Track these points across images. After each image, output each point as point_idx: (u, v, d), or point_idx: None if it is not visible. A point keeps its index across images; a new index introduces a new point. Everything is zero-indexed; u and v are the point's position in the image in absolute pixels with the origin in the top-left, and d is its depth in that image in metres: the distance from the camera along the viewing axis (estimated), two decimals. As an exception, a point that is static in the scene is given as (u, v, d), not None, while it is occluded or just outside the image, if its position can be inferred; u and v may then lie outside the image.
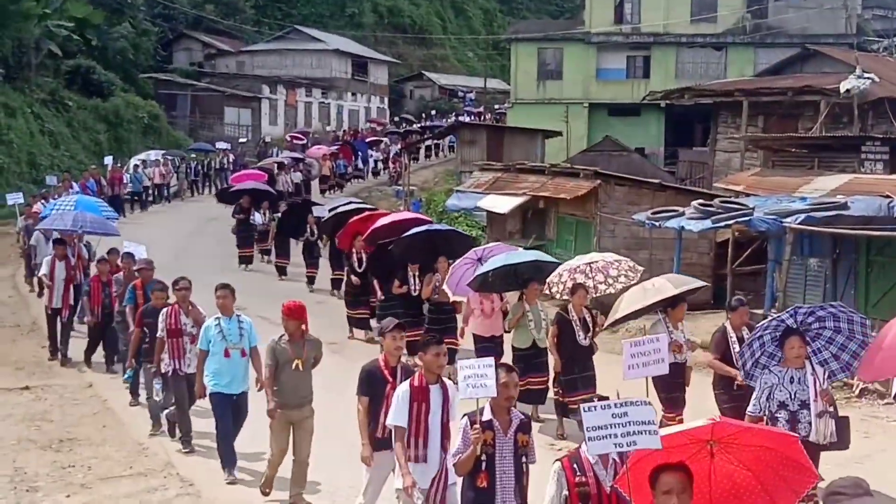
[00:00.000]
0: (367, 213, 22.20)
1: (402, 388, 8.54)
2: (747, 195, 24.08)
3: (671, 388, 12.08)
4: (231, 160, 47.83)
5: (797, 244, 19.08)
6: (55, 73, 52.25)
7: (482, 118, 68.85)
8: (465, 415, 7.74)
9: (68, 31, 51.34)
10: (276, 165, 41.44)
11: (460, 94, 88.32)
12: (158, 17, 71.26)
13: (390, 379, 9.07)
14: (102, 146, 49.91)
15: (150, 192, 41.89)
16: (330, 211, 24.94)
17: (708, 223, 19.69)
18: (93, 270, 18.77)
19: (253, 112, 68.37)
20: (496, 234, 27.72)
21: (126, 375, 15.12)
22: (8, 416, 14.39)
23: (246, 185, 30.96)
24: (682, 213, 20.56)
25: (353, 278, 20.09)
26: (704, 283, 14.46)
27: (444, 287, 16.42)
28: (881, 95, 32.80)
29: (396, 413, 8.46)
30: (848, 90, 31.72)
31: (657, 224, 21.06)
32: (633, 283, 14.43)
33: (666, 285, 12.76)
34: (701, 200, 20.95)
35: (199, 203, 42.36)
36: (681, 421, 11.57)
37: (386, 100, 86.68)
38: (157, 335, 12.63)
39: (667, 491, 5.53)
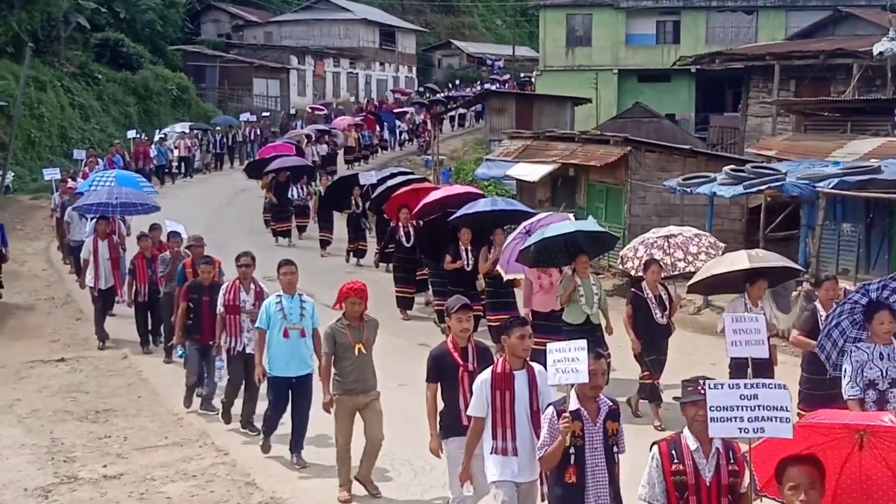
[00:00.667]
0: (414, 185, 21.44)
1: (484, 376, 7.95)
2: (779, 160, 23.88)
3: (757, 370, 11.65)
4: (257, 133, 47.32)
5: (830, 209, 18.94)
6: (84, 46, 52.37)
7: (506, 86, 68.37)
8: (549, 404, 7.26)
9: (96, 4, 51.46)
10: (304, 137, 40.55)
11: (488, 62, 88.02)
12: (186, -12, 71.23)
13: (461, 362, 8.61)
14: (132, 119, 50.09)
15: (177, 165, 41.59)
16: (379, 182, 24.48)
17: (740, 189, 19.54)
18: (132, 247, 18.03)
19: (281, 83, 68.38)
20: (526, 203, 27.62)
21: (180, 353, 14.41)
22: (44, 388, 14.54)
23: (286, 162, 29.16)
24: (714, 179, 20.41)
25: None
26: (794, 265, 13.43)
27: (498, 267, 15.63)
28: (915, 57, 32.36)
29: (476, 403, 7.94)
30: (881, 52, 31.30)
31: (688, 190, 20.93)
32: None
33: (741, 257, 12.27)
34: (732, 166, 20.79)
35: (226, 176, 41.97)
36: None
37: (414, 69, 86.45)
38: (217, 311, 12.18)
39: (794, 486, 5.15)
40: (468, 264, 16.84)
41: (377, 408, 10.03)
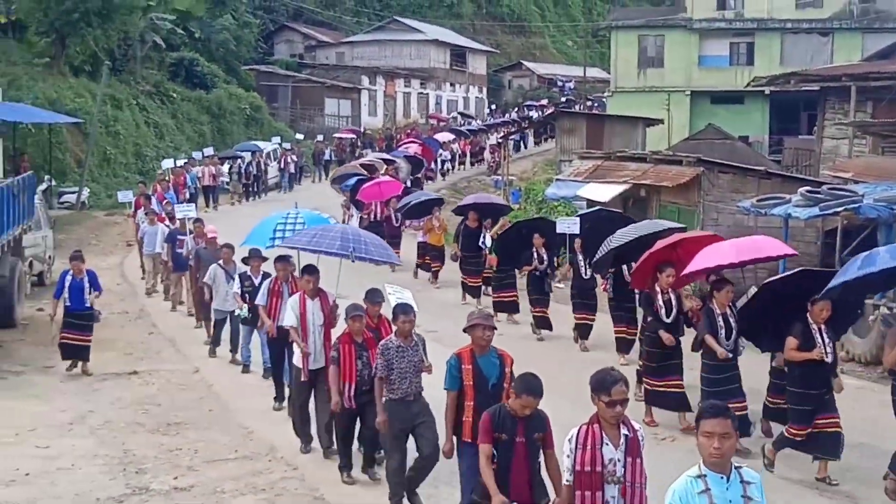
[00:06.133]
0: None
1: None
2: (856, 182, 23.43)
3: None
4: (292, 159, 45.63)
5: (908, 232, 18.55)
6: (159, 65, 53.34)
7: (557, 108, 66.81)
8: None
9: (172, 24, 52.35)
10: (381, 165, 36.14)
11: (559, 83, 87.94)
12: (260, 9, 72.23)
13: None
14: (206, 137, 50.79)
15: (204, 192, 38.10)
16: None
17: (815, 210, 19.20)
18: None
19: (353, 103, 68.90)
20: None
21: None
22: (117, 400, 14.71)
23: (478, 199, 25.83)
24: (789, 201, 20.10)
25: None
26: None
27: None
28: None
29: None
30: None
31: (763, 212, 20.65)
32: None
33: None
34: (808, 188, 20.46)
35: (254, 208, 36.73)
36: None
37: (484, 89, 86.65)
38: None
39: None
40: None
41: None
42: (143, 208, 25.34)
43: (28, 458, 11.91)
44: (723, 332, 11.96)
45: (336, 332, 11.54)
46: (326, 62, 74.76)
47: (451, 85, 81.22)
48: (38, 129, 37.87)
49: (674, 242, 14.08)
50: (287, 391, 13.67)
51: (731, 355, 11.96)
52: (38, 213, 23.50)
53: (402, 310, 10.16)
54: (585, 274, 18.10)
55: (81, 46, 44.42)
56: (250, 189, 42.39)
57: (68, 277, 16.40)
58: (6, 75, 38.94)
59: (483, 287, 22.62)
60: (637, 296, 15.74)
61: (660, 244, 14.00)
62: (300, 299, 12.12)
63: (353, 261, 12.68)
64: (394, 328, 10.39)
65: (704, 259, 12.69)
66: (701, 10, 51.10)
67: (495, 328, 9.19)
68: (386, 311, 11.01)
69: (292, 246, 13.55)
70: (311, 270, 12.27)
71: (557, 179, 32.52)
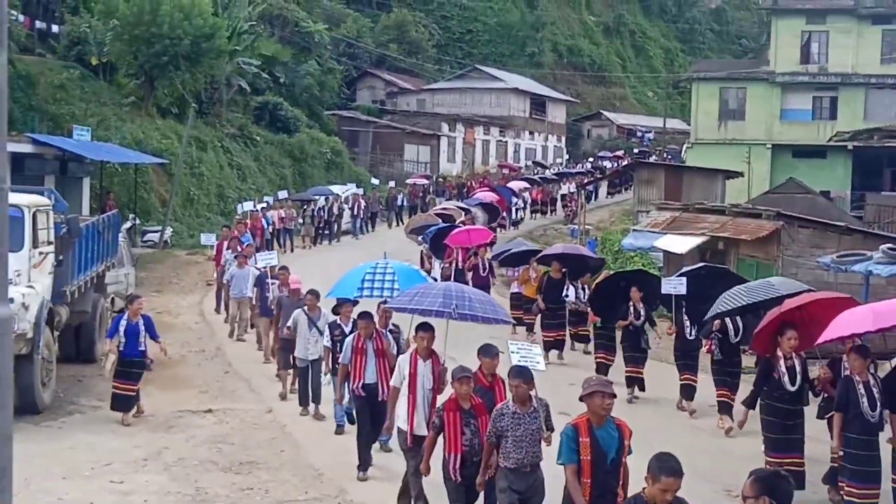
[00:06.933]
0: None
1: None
2: (940, 241, 23.03)
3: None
4: (362, 206, 45.30)
5: None
6: (244, 108, 54.37)
7: (633, 159, 65.78)
8: None
9: (258, 69, 53.40)
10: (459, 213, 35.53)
11: (638, 133, 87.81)
12: (344, 55, 73.29)
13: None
14: (287, 180, 51.52)
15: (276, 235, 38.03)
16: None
17: (897, 268, 18.90)
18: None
19: (432, 149, 69.45)
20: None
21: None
22: (191, 438, 14.87)
23: (567, 249, 25.08)
24: (870, 258, 19.79)
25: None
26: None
27: None
28: None
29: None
30: None
31: (843, 268, 20.34)
32: None
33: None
34: (890, 245, 20.13)
35: (328, 252, 38.57)
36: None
37: (563, 138, 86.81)
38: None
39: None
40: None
41: None
42: (231, 250, 24.97)
43: (103, 492, 12.06)
44: (864, 400, 10.94)
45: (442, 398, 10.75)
46: (407, 108, 75.60)
47: (530, 133, 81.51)
48: (125, 168, 38.78)
49: (799, 304, 12.84)
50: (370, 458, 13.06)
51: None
52: (121, 250, 23.97)
53: (516, 372, 9.35)
54: (690, 334, 17.10)
55: (169, 89, 45.55)
56: (322, 233, 42.40)
57: (123, 321, 15.77)
58: (96, 115, 39.98)
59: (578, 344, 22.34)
60: (741, 359, 15.69)
61: (788, 305, 12.78)
62: (412, 359, 11.17)
63: (455, 318, 11.31)
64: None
65: (838, 327, 11.23)
66: (784, 64, 50.82)
67: (615, 396, 8.39)
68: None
69: (395, 307, 12.21)
70: (425, 328, 11.27)
71: (634, 230, 32.37)
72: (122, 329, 15.63)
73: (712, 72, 55.92)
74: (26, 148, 29.74)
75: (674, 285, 17.55)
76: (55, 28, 44.66)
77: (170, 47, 41.19)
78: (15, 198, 13.32)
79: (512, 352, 10.07)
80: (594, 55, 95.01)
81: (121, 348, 15.56)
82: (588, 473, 8.00)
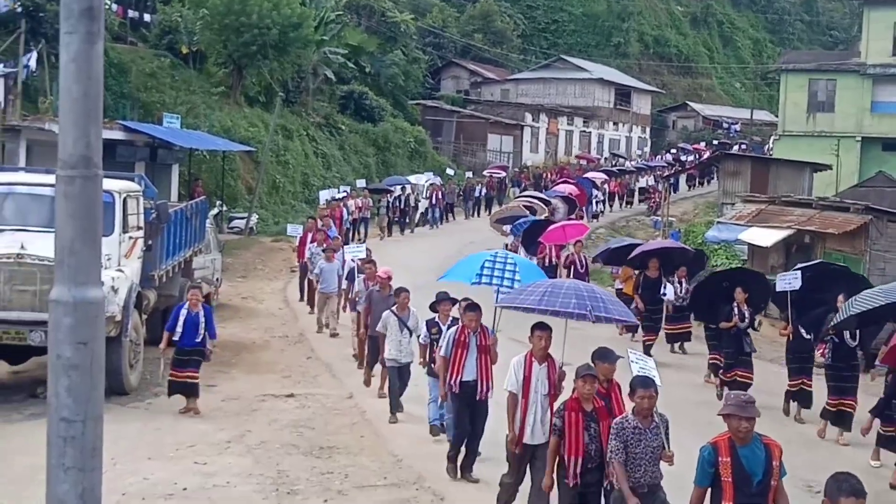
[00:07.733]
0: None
1: None
2: None
3: None
4: (439, 196, 45.33)
5: None
6: (330, 97, 54.85)
7: (716, 151, 65.03)
8: None
9: (344, 58, 53.83)
10: (540, 205, 36.27)
11: (725, 124, 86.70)
12: (429, 45, 73.51)
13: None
14: (371, 169, 51.90)
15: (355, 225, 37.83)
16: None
17: None
18: None
19: (515, 139, 69.39)
20: (757, 269, 26.99)
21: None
22: (274, 422, 15.08)
23: (663, 244, 24.90)
24: (961, 254, 19.42)
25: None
26: None
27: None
28: None
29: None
30: None
31: (932, 264, 19.98)
32: None
33: None
34: (982, 241, 19.74)
35: (402, 242, 39.14)
36: None
37: (648, 129, 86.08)
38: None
39: None
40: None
41: None
42: (315, 243, 24.52)
43: (187, 473, 12.27)
44: None
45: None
46: (491, 98, 75.56)
47: (615, 124, 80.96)
48: (213, 155, 39.40)
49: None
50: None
51: None
52: (208, 236, 24.37)
53: (642, 383, 8.71)
54: (808, 334, 16.55)
55: (257, 78, 46.19)
56: (397, 223, 42.16)
57: (183, 311, 15.41)
58: (185, 103, 40.68)
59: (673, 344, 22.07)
60: (858, 363, 15.43)
61: None
62: (526, 361, 10.36)
63: (592, 321, 10.55)
64: (631, 405, 8.89)
65: None
66: (875, 56, 49.69)
67: (755, 417, 7.49)
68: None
69: (522, 306, 10.89)
70: (542, 327, 10.39)
71: (719, 222, 32.13)
72: (181, 319, 15.36)
73: (801, 63, 54.89)
74: (118, 135, 30.42)
75: (788, 280, 16.93)
76: (147, 17, 45.48)
77: (258, 37, 41.71)
78: (106, 183, 13.60)
79: (632, 361, 9.30)
80: (681, 45, 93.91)
81: (177, 338, 15.30)
82: (730, 496, 7.39)
